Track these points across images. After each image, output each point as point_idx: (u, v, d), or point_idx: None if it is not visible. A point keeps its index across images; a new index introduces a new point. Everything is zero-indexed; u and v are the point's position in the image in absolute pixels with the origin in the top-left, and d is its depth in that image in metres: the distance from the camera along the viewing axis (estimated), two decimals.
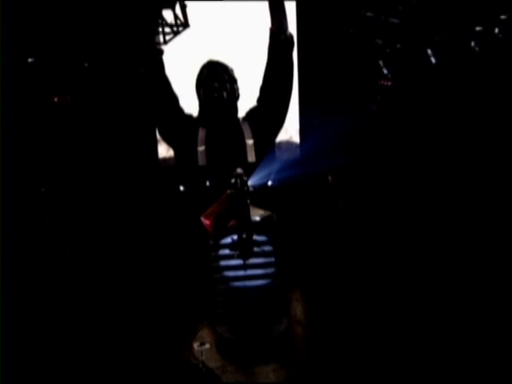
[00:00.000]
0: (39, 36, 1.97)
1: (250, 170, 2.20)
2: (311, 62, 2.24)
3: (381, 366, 1.88)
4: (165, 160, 2.50)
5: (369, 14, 1.94)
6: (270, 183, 2.24)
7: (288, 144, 2.57)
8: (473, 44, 1.93)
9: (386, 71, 2.00)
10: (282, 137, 2.43)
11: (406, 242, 2.19)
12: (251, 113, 2.39)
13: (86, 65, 1.95)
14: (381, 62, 1.98)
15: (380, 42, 1.95)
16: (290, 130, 2.52)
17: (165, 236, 2.22)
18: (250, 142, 2.31)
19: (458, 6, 1.93)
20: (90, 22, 1.95)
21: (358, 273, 2.17)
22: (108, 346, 1.85)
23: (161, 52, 2.29)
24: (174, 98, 2.34)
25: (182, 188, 2.24)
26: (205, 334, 1.91)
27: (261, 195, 2.12)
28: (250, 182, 2.04)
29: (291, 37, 2.26)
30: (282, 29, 2.24)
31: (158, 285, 2.10)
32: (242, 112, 2.38)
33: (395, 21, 1.91)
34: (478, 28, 1.92)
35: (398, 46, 1.95)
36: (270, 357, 1.81)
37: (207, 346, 1.66)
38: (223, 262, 1.90)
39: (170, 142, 2.43)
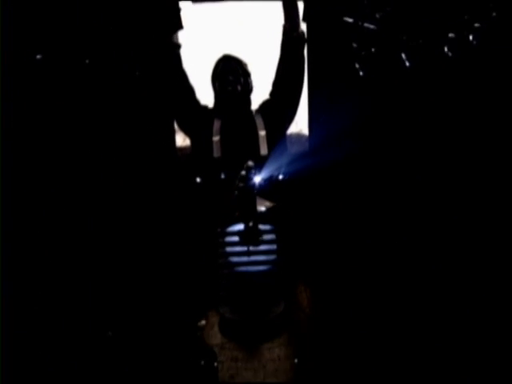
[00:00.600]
0: (44, 33, 2.10)
1: (262, 161, 2.33)
2: (319, 58, 2.33)
3: (377, 358, 1.99)
4: (181, 149, 2.64)
5: (347, 19, 2.03)
6: (280, 177, 2.34)
7: (298, 136, 2.67)
8: (446, 49, 2.00)
9: (361, 73, 2.09)
10: (292, 129, 2.53)
11: (406, 240, 2.27)
12: (264, 105, 2.51)
13: (87, 61, 2.08)
14: (357, 65, 2.08)
15: (355, 45, 2.04)
16: (300, 123, 2.61)
17: (177, 223, 2.36)
18: (262, 133, 2.42)
19: (433, 14, 2.00)
20: (92, 21, 2.08)
21: (360, 267, 2.26)
22: (111, 327, 2.01)
23: (178, 46, 2.42)
24: (190, 90, 2.47)
25: (198, 179, 2.36)
26: (208, 314, 2.07)
27: (271, 188, 2.24)
28: (261, 175, 2.16)
29: (303, 34, 2.34)
30: (294, 26, 2.32)
31: (165, 270, 2.25)
32: (255, 105, 2.49)
33: (371, 26, 2.00)
34: (450, 34, 1.99)
35: (373, 49, 2.03)
36: (267, 336, 1.96)
37: (203, 322, 1.81)
38: (228, 249, 2.05)
39: (186, 132, 2.56)
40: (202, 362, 1.70)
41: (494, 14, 1.96)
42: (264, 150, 2.39)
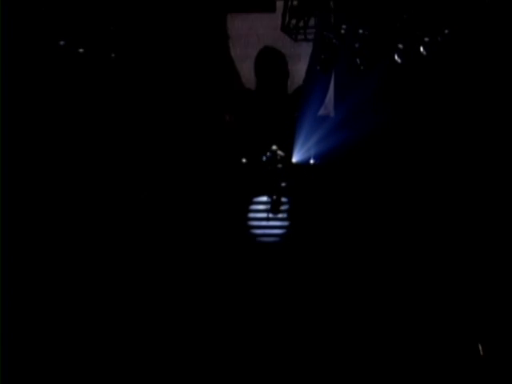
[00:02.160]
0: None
1: (294, 141, 2.81)
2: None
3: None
4: (228, 122, 3.15)
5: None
6: (311, 161, 2.80)
7: (326, 119, 3.04)
8: (396, 57, 2.47)
9: (324, 73, 2.73)
10: (320, 112, 2.93)
11: (407, 239, 2.68)
12: (298, 90, 2.93)
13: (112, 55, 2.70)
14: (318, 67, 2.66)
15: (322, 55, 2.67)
16: (329, 106, 2.98)
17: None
18: (296, 114, 2.88)
19: (387, 29, 2.48)
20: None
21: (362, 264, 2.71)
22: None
23: (228, 37, 2.86)
24: (236, 75, 2.94)
25: (243, 160, 2.84)
26: None
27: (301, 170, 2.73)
28: (293, 159, 2.67)
29: (333, 38, 2.67)
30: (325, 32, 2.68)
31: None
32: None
33: (335, 41, 2.56)
34: (400, 45, 2.47)
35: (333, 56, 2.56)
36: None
37: None
38: (253, 214, 2.63)
39: (233, 110, 3.06)
40: None
41: (447, 31, 2.41)
42: (297, 129, 2.86)
